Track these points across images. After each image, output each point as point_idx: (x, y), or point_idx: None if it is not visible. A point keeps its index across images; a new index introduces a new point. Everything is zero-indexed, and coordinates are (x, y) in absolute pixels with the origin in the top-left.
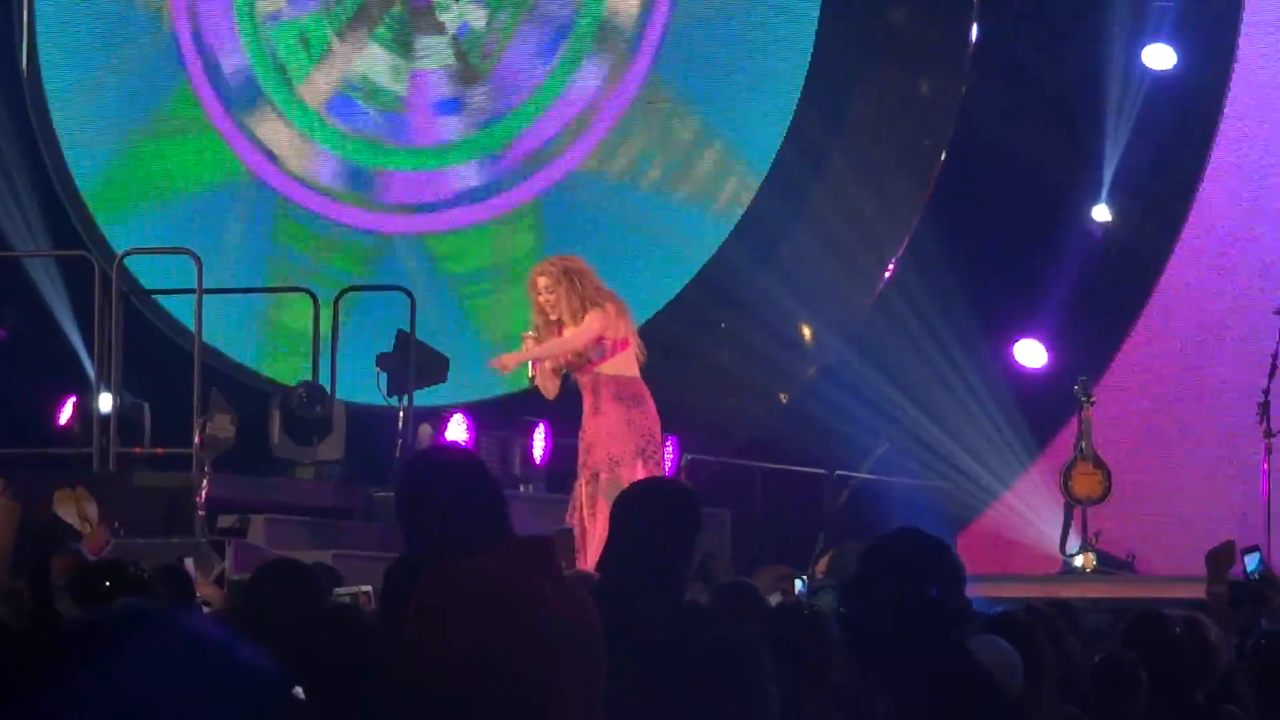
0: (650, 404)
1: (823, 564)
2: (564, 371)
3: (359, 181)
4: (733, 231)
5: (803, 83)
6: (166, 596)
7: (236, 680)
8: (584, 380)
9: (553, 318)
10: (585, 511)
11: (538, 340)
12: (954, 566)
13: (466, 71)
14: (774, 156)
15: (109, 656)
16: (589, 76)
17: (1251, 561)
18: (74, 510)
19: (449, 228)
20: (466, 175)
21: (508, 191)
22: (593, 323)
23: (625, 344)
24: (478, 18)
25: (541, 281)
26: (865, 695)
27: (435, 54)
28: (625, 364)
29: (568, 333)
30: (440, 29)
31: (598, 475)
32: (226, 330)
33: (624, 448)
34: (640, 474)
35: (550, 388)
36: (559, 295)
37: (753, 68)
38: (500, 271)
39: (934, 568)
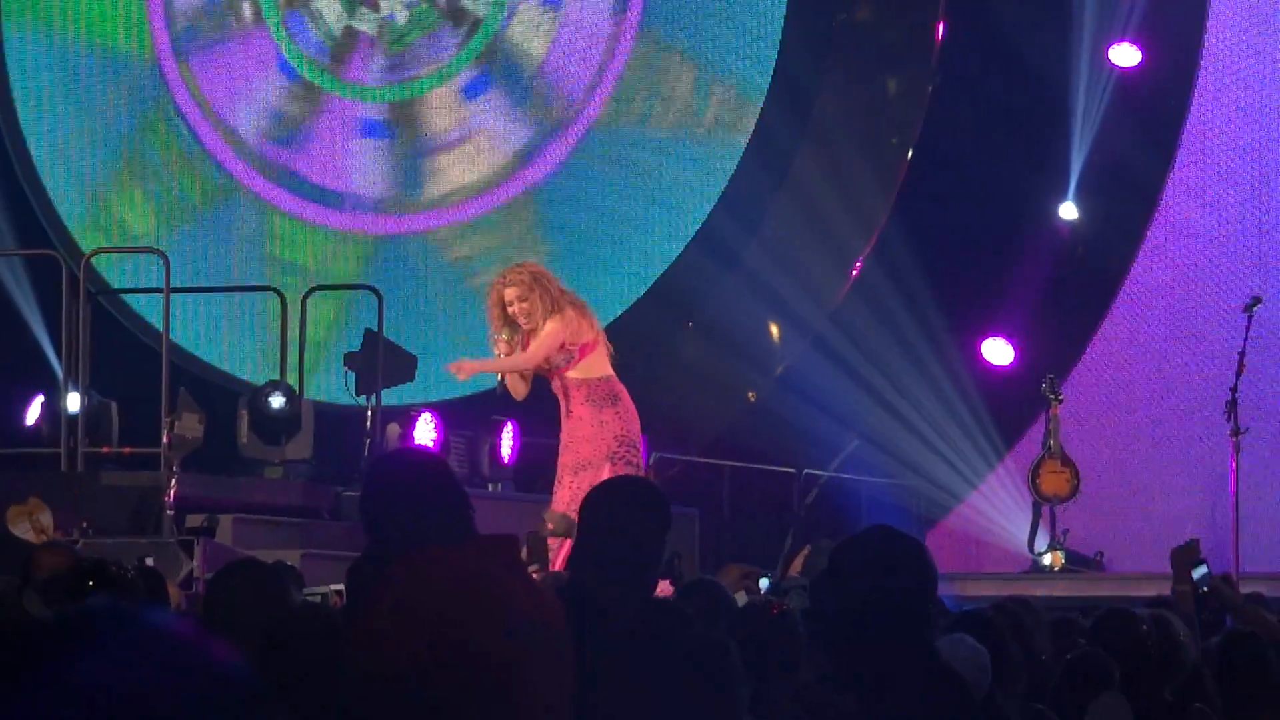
0: (625, 403)
1: (798, 562)
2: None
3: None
4: (699, 230)
5: (769, 82)
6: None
7: (206, 680)
8: (555, 385)
9: (527, 327)
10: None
11: (510, 346)
12: (926, 565)
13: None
14: (740, 156)
15: (76, 655)
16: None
17: (1199, 574)
18: (28, 524)
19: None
20: None
21: None
22: (553, 332)
23: (591, 346)
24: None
25: (511, 293)
26: (832, 694)
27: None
28: (593, 365)
29: (533, 341)
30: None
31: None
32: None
33: (593, 450)
34: (606, 476)
35: (519, 390)
36: (532, 303)
37: (720, 64)
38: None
39: (906, 566)
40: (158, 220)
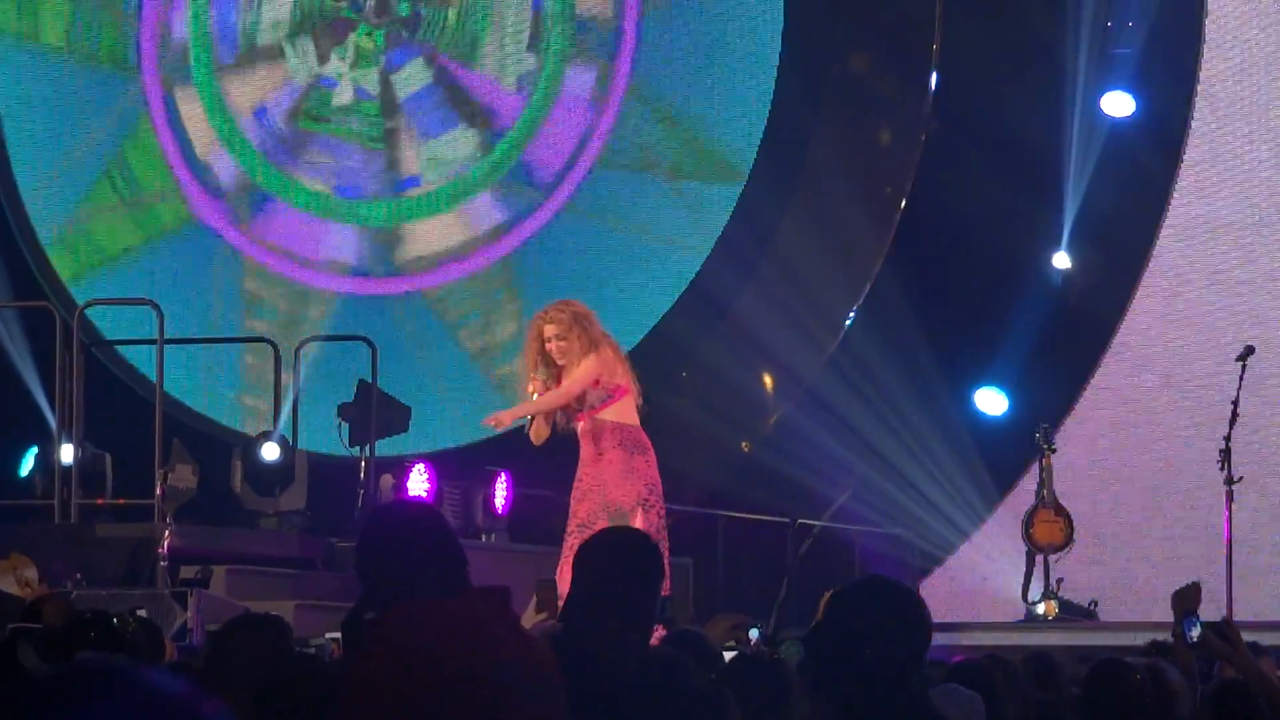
0: (652, 454)
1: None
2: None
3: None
4: (693, 281)
5: (761, 133)
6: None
7: None
8: (584, 427)
9: (562, 363)
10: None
11: (544, 385)
12: (921, 616)
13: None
14: (735, 205)
15: (73, 713)
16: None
17: (1191, 628)
18: (12, 580)
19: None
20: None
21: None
22: (589, 367)
23: (625, 389)
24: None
25: (550, 329)
26: None
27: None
28: (626, 410)
29: (565, 380)
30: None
31: (587, 525)
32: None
33: (624, 495)
34: (639, 523)
35: (542, 433)
36: (570, 342)
37: (714, 117)
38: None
39: (902, 617)
40: (138, 247)
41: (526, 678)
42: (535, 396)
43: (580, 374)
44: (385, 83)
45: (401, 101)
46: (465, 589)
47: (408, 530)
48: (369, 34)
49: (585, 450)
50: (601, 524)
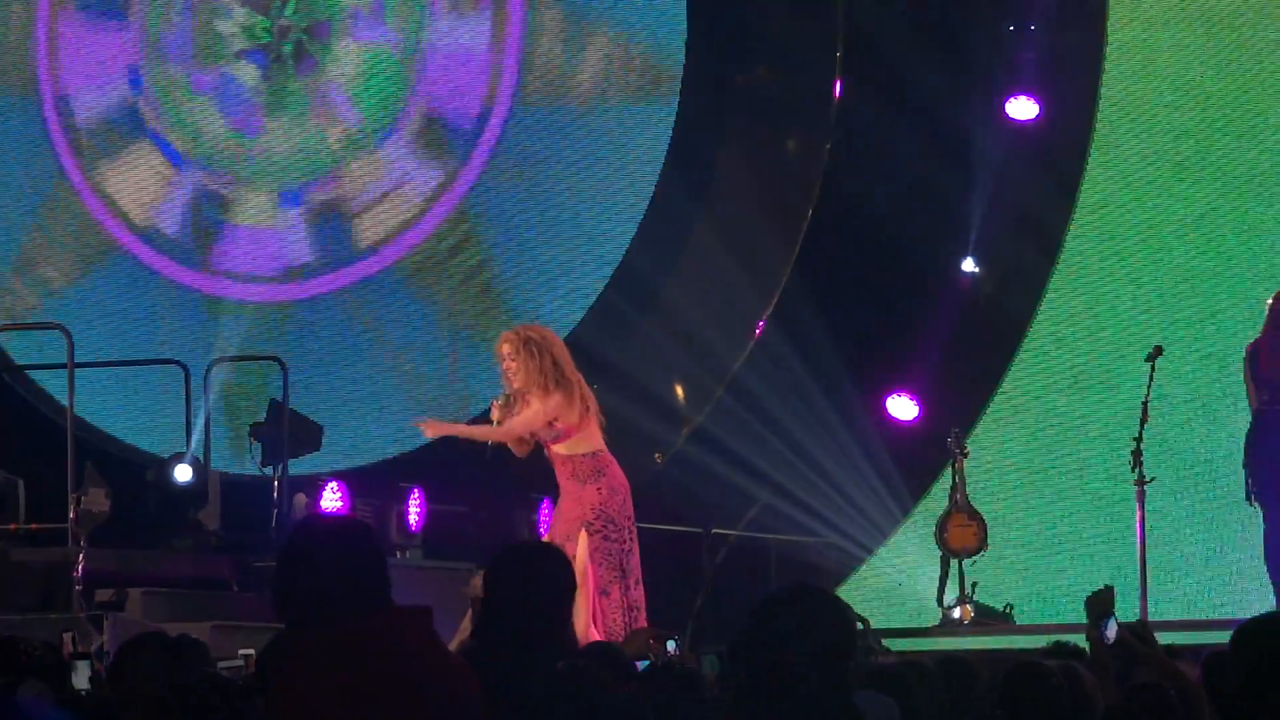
0: (610, 478)
1: None
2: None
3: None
4: (602, 293)
5: (667, 145)
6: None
7: None
8: (548, 455)
9: (514, 386)
10: None
11: (503, 409)
12: (847, 622)
13: None
14: (641, 216)
15: None
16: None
17: (1107, 628)
18: None
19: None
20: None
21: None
22: (536, 411)
23: (577, 427)
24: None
25: (504, 348)
26: None
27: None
28: (580, 442)
29: (526, 410)
30: None
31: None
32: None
33: (572, 524)
34: (580, 548)
35: (519, 449)
36: (519, 364)
37: (615, 127)
38: None
39: (827, 623)
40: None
41: (449, 697)
42: (493, 417)
43: (526, 417)
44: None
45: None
46: (386, 607)
47: (332, 544)
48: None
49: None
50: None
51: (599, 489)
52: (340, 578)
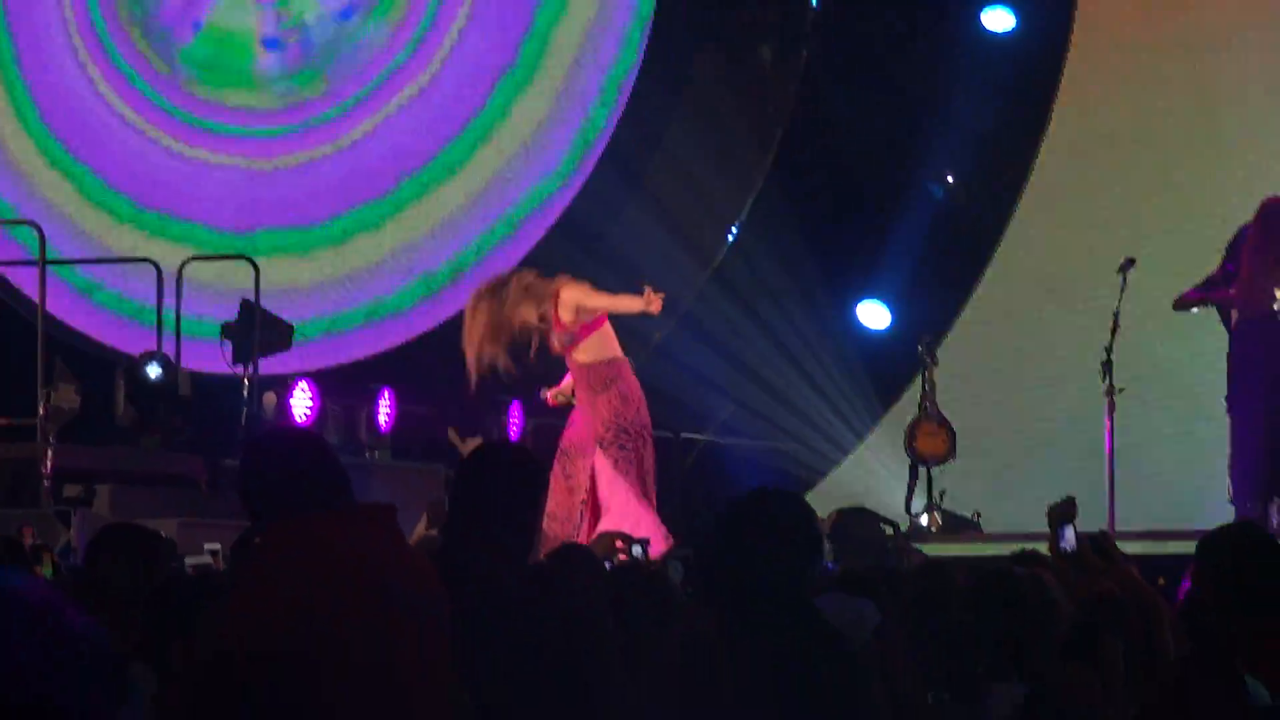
0: (623, 386)
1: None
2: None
3: None
4: (575, 198)
5: (643, 50)
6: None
7: (63, 644)
8: (569, 365)
9: (540, 326)
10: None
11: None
12: (811, 524)
13: None
14: (615, 124)
15: None
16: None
17: (1064, 538)
18: None
19: None
20: None
21: None
22: (581, 286)
23: (593, 326)
24: None
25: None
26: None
27: None
28: (594, 347)
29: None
30: None
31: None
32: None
33: (581, 435)
34: (600, 461)
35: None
36: (525, 309)
37: (595, 36)
38: None
39: (793, 526)
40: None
41: (411, 593)
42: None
43: (581, 300)
44: None
45: None
46: (346, 505)
47: (289, 452)
48: None
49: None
50: (572, 466)
51: (609, 399)
52: (301, 477)
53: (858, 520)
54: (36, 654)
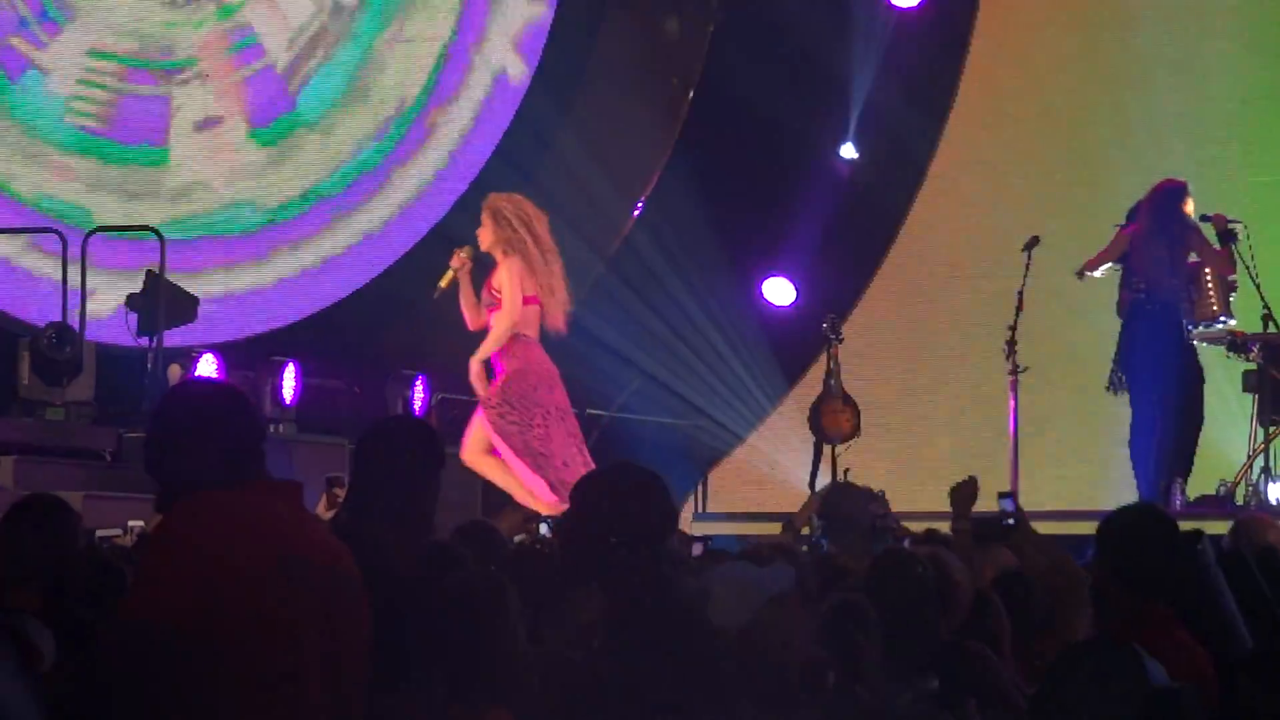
0: (518, 360)
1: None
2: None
3: None
4: (480, 173)
5: (549, 24)
6: None
7: None
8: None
9: (482, 246)
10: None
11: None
12: (663, 498)
13: None
14: (521, 96)
15: None
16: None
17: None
18: None
19: None
20: None
21: None
22: (508, 277)
23: (529, 300)
24: None
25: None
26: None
27: None
28: (506, 319)
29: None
30: None
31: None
32: None
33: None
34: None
35: (470, 319)
36: (485, 230)
37: (502, 6)
38: None
39: (642, 499)
40: None
41: (320, 573)
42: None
43: (505, 297)
44: None
45: None
46: (256, 480)
47: (206, 410)
48: None
49: None
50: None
51: (503, 370)
52: (213, 446)
53: (844, 496)
54: None
